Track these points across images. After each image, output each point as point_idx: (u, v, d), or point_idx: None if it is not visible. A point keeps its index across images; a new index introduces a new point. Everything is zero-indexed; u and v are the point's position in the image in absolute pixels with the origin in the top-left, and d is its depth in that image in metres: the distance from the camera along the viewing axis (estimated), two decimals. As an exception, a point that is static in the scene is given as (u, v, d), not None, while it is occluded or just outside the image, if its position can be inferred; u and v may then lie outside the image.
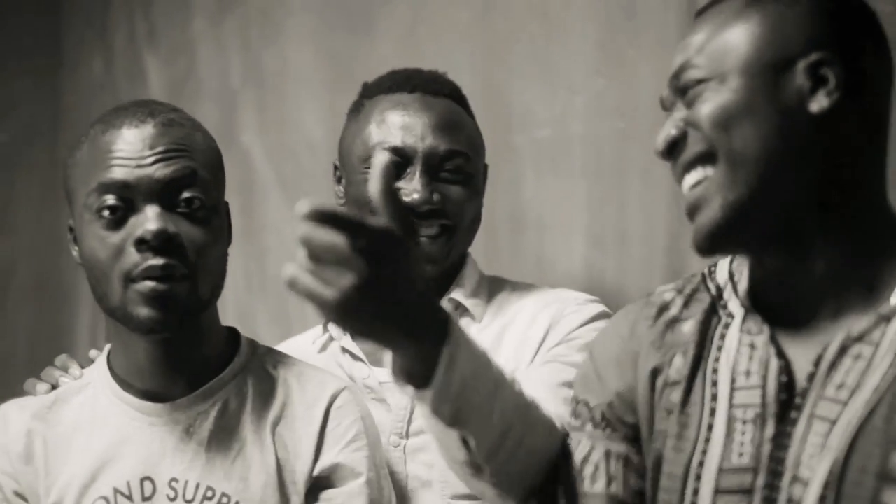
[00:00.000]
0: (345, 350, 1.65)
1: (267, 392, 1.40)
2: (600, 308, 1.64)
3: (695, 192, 1.12)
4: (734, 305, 1.18)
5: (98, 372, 1.43)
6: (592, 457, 1.22)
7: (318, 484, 1.37)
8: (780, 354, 1.11)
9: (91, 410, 1.39)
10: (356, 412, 1.41)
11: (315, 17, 2.33)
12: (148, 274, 1.28)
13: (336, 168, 1.71)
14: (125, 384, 1.39)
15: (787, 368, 1.10)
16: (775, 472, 1.08)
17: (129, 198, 1.29)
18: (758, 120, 1.08)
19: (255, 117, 2.45)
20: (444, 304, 1.61)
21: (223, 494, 1.33)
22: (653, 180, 1.92)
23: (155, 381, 1.37)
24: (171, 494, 1.34)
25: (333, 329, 1.67)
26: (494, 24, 2.09)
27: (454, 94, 1.67)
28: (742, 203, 1.08)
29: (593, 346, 1.31)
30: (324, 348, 1.68)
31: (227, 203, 1.42)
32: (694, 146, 1.12)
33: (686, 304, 1.23)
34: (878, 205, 1.13)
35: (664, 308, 1.24)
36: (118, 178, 1.29)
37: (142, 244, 1.28)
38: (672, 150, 1.14)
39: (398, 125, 1.59)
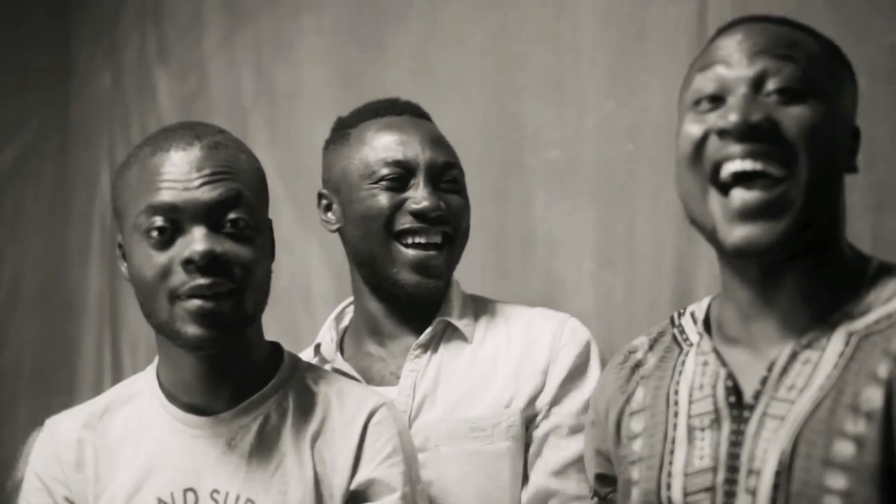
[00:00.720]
0: (337, 370, 1.68)
1: (307, 407, 1.43)
2: (580, 338, 1.67)
3: (764, 197, 1.14)
4: (693, 334, 1.29)
5: (146, 382, 1.46)
6: None
7: (355, 497, 1.40)
8: (724, 363, 1.22)
9: (138, 421, 1.43)
10: (393, 428, 1.44)
11: (327, 36, 2.36)
12: (195, 292, 1.31)
13: (322, 196, 1.73)
14: (171, 396, 1.42)
15: (731, 375, 1.20)
16: (732, 468, 1.17)
17: (176, 219, 1.32)
18: (835, 153, 1.19)
19: (266, 134, 2.47)
20: (434, 325, 1.66)
21: None
22: (661, 201, 1.95)
23: (199, 395, 1.41)
24: None
25: (326, 350, 1.71)
26: (506, 46, 2.12)
27: (430, 120, 1.74)
28: (806, 221, 1.15)
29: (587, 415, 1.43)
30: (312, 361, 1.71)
31: (270, 220, 1.45)
32: (779, 149, 1.14)
33: (651, 347, 1.34)
34: (842, 240, 1.24)
35: (631, 352, 1.35)
36: (166, 200, 1.32)
37: (189, 264, 1.31)
38: (750, 132, 1.15)
39: (396, 142, 1.64)
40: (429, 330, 1.66)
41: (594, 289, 2.01)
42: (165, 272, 1.32)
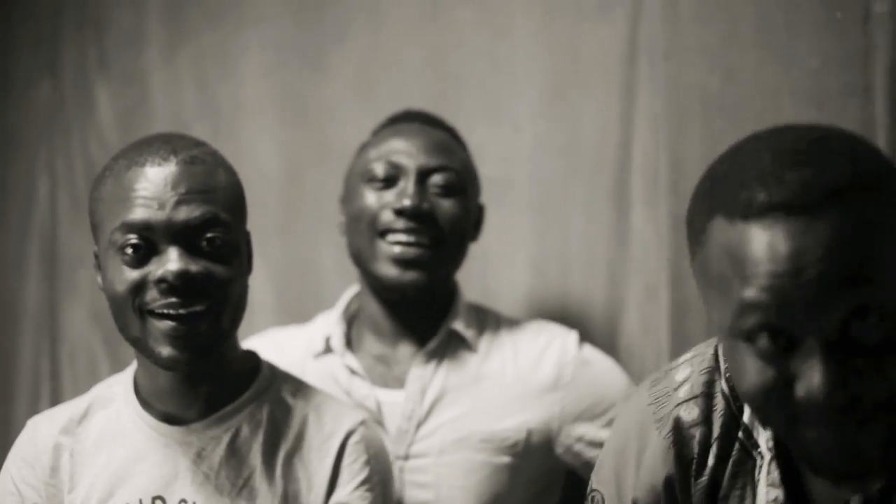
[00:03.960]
0: (347, 367, 1.72)
1: (282, 422, 1.42)
2: (584, 352, 1.76)
3: (865, 441, 0.96)
4: (763, 444, 1.11)
5: (123, 387, 1.47)
6: None
7: None
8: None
9: (114, 426, 1.44)
10: (371, 449, 1.44)
11: (269, 52, 2.37)
12: (167, 310, 1.31)
13: (341, 202, 1.81)
14: (146, 403, 1.43)
15: None
16: None
17: (150, 238, 1.32)
18: None
19: (207, 148, 2.47)
20: (442, 334, 1.71)
21: None
22: (593, 215, 2.03)
23: (173, 404, 1.41)
24: None
25: (336, 344, 1.74)
26: (445, 65, 2.17)
27: (450, 132, 1.78)
28: None
29: (608, 448, 1.26)
30: (320, 356, 1.76)
31: (248, 233, 1.45)
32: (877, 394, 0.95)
33: (706, 420, 1.14)
34: None
35: (688, 429, 1.15)
36: (141, 218, 1.31)
37: (162, 283, 1.30)
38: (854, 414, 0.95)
39: (395, 144, 1.70)
40: (437, 338, 1.71)
41: (528, 299, 2.08)
42: (138, 288, 1.32)
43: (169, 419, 1.42)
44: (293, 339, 1.82)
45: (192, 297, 1.31)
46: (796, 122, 1.79)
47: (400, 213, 1.66)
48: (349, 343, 1.77)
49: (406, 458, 1.67)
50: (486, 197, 1.88)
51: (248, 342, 1.87)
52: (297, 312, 2.25)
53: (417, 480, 1.66)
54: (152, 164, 1.34)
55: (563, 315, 2.02)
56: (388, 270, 1.66)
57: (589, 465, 1.69)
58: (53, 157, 2.77)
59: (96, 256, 1.40)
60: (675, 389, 1.17)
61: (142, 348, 1.35)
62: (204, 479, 1.38)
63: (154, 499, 1.39)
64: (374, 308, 1.74)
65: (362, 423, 1.45)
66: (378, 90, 2.23)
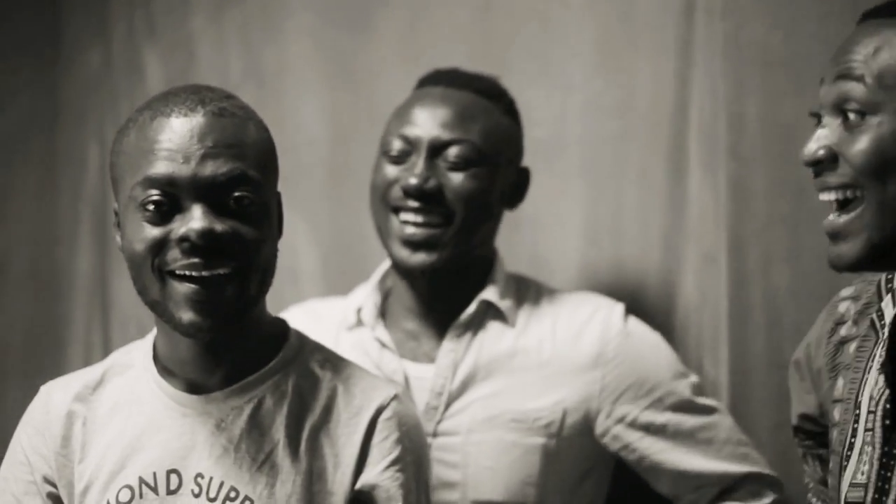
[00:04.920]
0: (377, 339, 1.67)
1: (308, 393, 1.34)
2: (629, 326, 1.68)
3: (839, 221, 1.16)
4: (888, 322, 1.22)
5: (142, 353, 1.39)
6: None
7: (360, 497, 1.31)
8: (892, 382, 1.18)
9: (130, 393, 1.36)
10: (403, 427, 1.34)
11: (314, 15, 2.34)
12: (189, 271, 1.23)
13: None
14: (165, 371, 1.35)
15: (893, 398, 1.17)
16: (882, 490, 1.16)
17: (174, 194, 1.23)
18: None
19: (253, 113, 2.46)
20: (475, 305, 1.63)
21: (246, 498, 1.29)
22: (648, 179, 1.96)
23: (193, 372, 1.33)
24: (196, 490, 1.30)
25: (367, 317, 1.69)
26: (493, 23, 2.11)
27: (483, 92, 1.68)
28: (885, 244, 1.14)
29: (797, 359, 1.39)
30: (353, 328, 1.70)
31: (279, 194, 1.36)
32: (843, 176, 1.15)
33: (856, 321, 1.29)
34: None
35: (839, 323, 1.31)
36: (164, 172, 1.23)
37: (185, 242, 1.22)
38: (817, 165, 1.17)
39: (411, 115, 1.64)
40: (470, 310, 1.64)
41: (580, 268, 2.01)
42: (158, 247, 1.24)
43: (189, 388, 1.34)
44: (331, 310, 1.77)
45: (217, 258, 1.23)
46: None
47: (405, 191, 1.60)
48: (384, 315, 1.71)
49: (434, 435, 1.61)
50: (537, 161, 1.82)
51: (290, 311, 1.83)
52: (344, 280, 2.22)
53: (445, 459, 1.60)
54: (178, 115, 1.25)
55: (617, 285, 1.95)
56: (399, 251, 1.62)
57: (630, 449, 1.62)
58: (103, 125, 2.77)
59: (116, 214, 1.32)
60: (839, 299, 1.34)
61: (161, 312, 1.27)
62: (222, 451, 1.30)
63: (169, 472, 1.31)
64: (400, 283, 1.69)
65: (395, 397, 1.35)
66: (425, 51, 2.18)
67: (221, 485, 1.29)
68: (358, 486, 1.31)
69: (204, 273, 1.23)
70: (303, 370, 1.35)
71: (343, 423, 1.32)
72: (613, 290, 1.89)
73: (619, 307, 1.69)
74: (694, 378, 1.69)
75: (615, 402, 1.61)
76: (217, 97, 1.30)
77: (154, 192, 1.23)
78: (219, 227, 1.23)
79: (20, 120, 2.85)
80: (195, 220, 1.22)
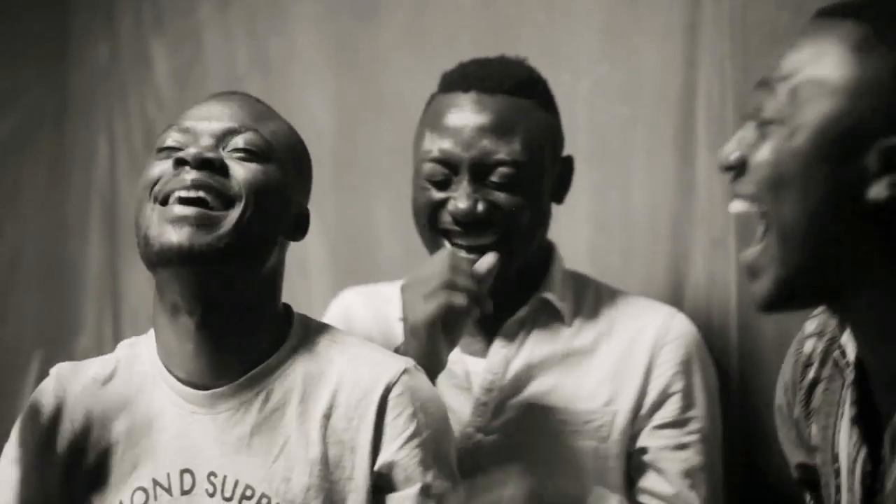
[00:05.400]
0: None
1: (317, 379, 1.30)
2: (685, 336, 1.63)
3: (748, 257, 1.06)
4: (850, 360, 1.14)
5: (147, 349, 1.36)
6: None
7: (379, 480, 1.28)
8: (867, 436, 1.08)
9: (138, 391, 1.33)
10: (417, 400, 1.30)
11: (321, 4, 2.34)
12: (178, 186, 1.25)
13: None
14: (170, 367, 1.32)
15: (870, 454, 1.07)
16: None
17: (188, 141, 1.30)
18: (810, 193, 1.00)
19: (261, 103, 2.46)
20: (531, 303, 1.60)
21: (263, 495, 1.26)
22: (657, 164, 1.94)
23: (198, 367, 1.30)
24: (210, 490, 1.27)
25: None
26: (500, 9, 2.11)
27: (519, 89, 1.60)
28: (793, 281, 1.03)
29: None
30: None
31: (308, 210, 1.40)
32: (748, 185, 1.06)
33: (823, 361, 1.19)
34: None
35: (807, 365, 1.21)
36: (185, 125, 1.31)
37: (181, 164, 1.25)
38: (730, 170, 1.09)
39: (447, 132, 1.55)
40: (525, 307, 1.60)
41: (589, 255, 2.00)
42: (159, 177, 1.27)
43: (196, 384, 1.30)
44: (388, 297, 1.73)
45: (212, 191, 1.26)
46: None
47: (455, 218, 1.53)
48: None
49: (485, 431, 1.58)
50: (543, 146, 1.82)
51: (350, 291, 1.82)
52: (351, 269, 2.23)
53: (493, 456, 1.56)
54: (216, 98, 1.36)
55: (625, 269, 1.94)
56: None
57: (640, 450, 1.60)
58: (112, 119, 2.79)
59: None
60: (805, 336, 1.24)
61: (154, 252, 1.25)
62: (234, 450, 1.27)
63: (182, 472, 1.28)
64: None
65: (405, 371, 1.31)
66: (431, 38, 2.18)
67: (236, 483, 1.27)
68: (376, 467, 1.28)
69: (192, 194, 1.27)
70: (309, 355, 1.33)
71: (354, 405, 1.29)
72: (622, 274, 1.89)
73: (680, 316, 1.65)
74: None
75: (653, 411, 1.58)
76: (239, 96, 1.39)
77: (173, 134, 1.31)
78: (214, 154, 1.28)
79: (29, 114, 2.86)
80: (192, 146, 1.29)
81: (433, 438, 1.30)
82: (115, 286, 2.79)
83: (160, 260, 1.23)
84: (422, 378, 1.34)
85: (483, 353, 1.61)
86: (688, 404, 1.59)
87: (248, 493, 1.26)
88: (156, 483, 1.28)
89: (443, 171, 1.54)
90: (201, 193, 1.25)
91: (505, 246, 1.53)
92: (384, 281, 1.95)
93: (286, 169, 1.33)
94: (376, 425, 1.28)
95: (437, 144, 1.55)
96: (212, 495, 1.27)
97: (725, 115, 1.84)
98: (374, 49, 2.26)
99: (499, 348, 1.60)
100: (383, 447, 1.28)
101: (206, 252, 1.23)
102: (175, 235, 1.23)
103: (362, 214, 2.25)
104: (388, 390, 1.29)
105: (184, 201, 1.25)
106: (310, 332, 1.36)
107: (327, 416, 1.29)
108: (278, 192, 1.31)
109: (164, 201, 1.26)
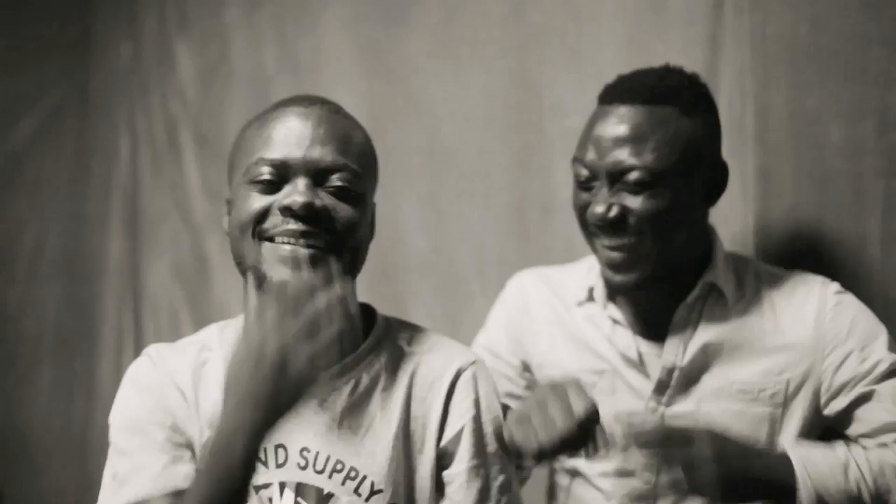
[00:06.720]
0: (608, 315, 1.77)
1: (399, 367, 1.44)
2: (846, 301, 1.70)
3: None
4: None
5: (238, 336, 1.44)
6: None
7: (442, 455, 1.42)
8: None
9: None
10: (481, 389, 1.45)
11: (350, 7, 2.38)
12: (287, 234, 1.33)
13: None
14: None
15: None
16: None
17: (283, 173, 1.36)
18: None
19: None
20: (699, 288, 1.71)
21: (352, 468, 1.38)
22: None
23: None
24: (302, 463, 1.38)
25: (598, 295, 1.78)
26: (527, 17, 2.16)
27: (656, 98, 1.66)
28: None
29: None
30: (583, 304, 1.80)
31: (374, 204, 1.46)
32: None
33: None
34: None
35: None
36: (277, 157, 1.36)
37: (287, 211, 1.33)
38: None
39: (591, 139, 1.67)
40: (695, 292, 1.71)
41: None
42: (262, 215, 1.35)
43: None
44: (561, 279, 1.87)
45: (316, 227, 1.34)
46: (886, 69, 1.79)
47: (591, 220, 1.66)
48: (612, 295, 1.79)
49: (668, 406, 1.71)
50: (570, 149, 1.87)
51: (525, 274, 1.90)
52: (380, 267, 2.26)
53: (680, 421, 1.66)
54: (296, 112, 1.39)
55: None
56: (605, 272, 1.70)
57: (844, 413, 1.67)
58: (134, 116, 2.82)
59: (228, 203, 1.43)
60: None
61: (255, 276, 1.36)
62: (326, 429, 1.39)
63: (277, 447, 1.38)
64: None
65: (474, 362, 1.46)
66: (459, 42, 2.23)
67: (328, 458, 1.38)
68: (441, 444, 1.42)
69: (301, 241, 1.33)
70: (392, 347, 1.46)
71: (428, 386, 1.43)
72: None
73: (833, 286, 1.72)
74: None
75: (834, 374, 1.66)
76: (331, 106, 1.43)
77: (266, 168, 1.36)
78: (319, 202, 1.34)
79: (52, 111, 2.89)
80: (299, 193, 1.34)
81: (488, 423, 1.44)
82: (135, 279, 2.85)
83: (279, 294, 1.28)
84: (487, 371, 1.48)
85: (657, 336, 1.74)
86: (865, 356, 1.66)
87: (339, 466, 1.38)
88: None
89: (585, 174, 1.67)
90: (312, 241, 1.34)
91: (641, 246, 1.65)
92: (413, 278, 2.02)
93: (371, 187, 1.44)
94: (445, 405, 1.42)
95: (583, 153, 1.68)
96: (303, 468, 1.38)
97: (745, 122, 1.92)
98: (404, 53, 2.31)
99: (675, 331, 1.72)
100: (447, 426, 1.42)
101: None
102: (288, 274, 1.33)
103: (391, 214, 2.31)
104: (457, 375, 1.44)
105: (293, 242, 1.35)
106: (392, 328, 1.49)
107: (406, 397, 1.42)
108: (367, 216, 1.42)
109: (271, 239, 1.36)
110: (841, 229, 1.84)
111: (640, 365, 1.73)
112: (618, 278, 1.67)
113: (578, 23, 2.11)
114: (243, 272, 1.39)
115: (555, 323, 1.82)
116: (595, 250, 1.70)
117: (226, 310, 2.50)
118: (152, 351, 1.46)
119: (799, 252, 1.88)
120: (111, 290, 2.88)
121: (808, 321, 1.68)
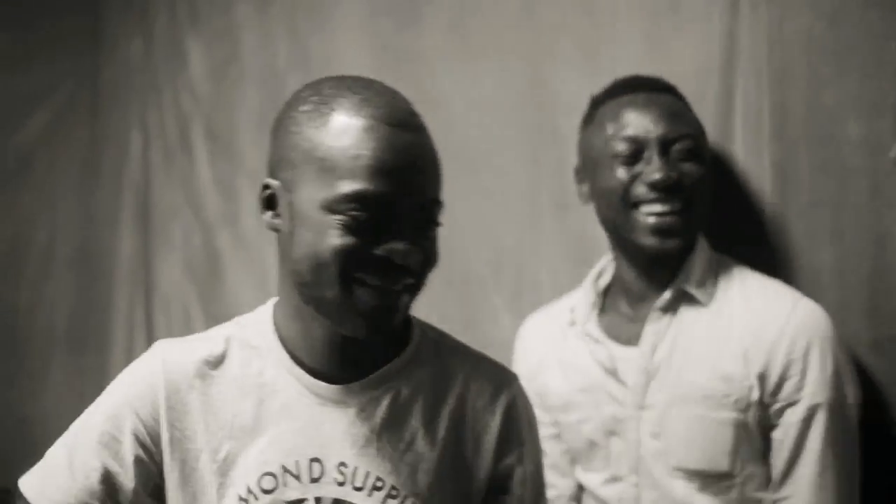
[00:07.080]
0: (586, 333, 1.84)
1: (442, 382, 1.35)
2: (810, 320, 1.73)
3: None
4: None
5: (263, 335, 1.35)
6: None
7: (495, 482, 1.35)
8: None
9: (258, 377, 1.33)
10: (530, 412, 1.40)
11: (362, 4, 2.38)
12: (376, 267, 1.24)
13: (577, 172, 1.90)
14: (296, 358, 1.32)
15: None
16: None
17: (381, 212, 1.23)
18: None
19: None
20: (671, 291, 1.77)
21: (393, 487, 1.30)
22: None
23: (326, 361, 1.31)
24: (340, 479, 1.30)
25: (578, 315, 1.87)
26: (542, 13, 2.16)
27: (671, 90, 1.84)
28: None
29: None
30: (571, 325, 1.89)
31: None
32: None
33: None
34: None
35: None
36: (377, 189, 1.22)
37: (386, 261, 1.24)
38: None
39: (631, 118, 1.78)
40: (666, 295, 1.78)
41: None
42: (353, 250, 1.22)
43: (324, 377, 1.32)
44: (560, 309, 1.95)
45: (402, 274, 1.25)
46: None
47: (653, 186, 1.73)
48: (604, 308, 1.88)
49: (642, 408, 1.76)
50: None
51: (523, 324, 2.01)
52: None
53: (651, 430, 1.75)
54: (388, 123, 1.30)
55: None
56: (648, 240, 1.75)
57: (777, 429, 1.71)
58: (145, 113, 2.82)
59: (267, 188, 1.31)
60: None
61: (333, 316, 1.27)
62: (365, 443, 1.30)
63: (311, 461, 1.30)
64: (628, 271, 1.83)
65: (517, 382, 1.40)
66: (473, 39, 2.23)
67: (367, 474, 1.30)
68: (497, 470, 1.34)
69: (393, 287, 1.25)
70: (433, 360, 1.37)
71: (480, 409, 1.35)
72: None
73: (805, 303, 1.74)
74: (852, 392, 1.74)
75: (778, 388, 1.69)
76: (408, 104, 1.35)
77: (358, 205, 1.21)
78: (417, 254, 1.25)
79: (62, 107, 2.90)
80: (404, 241, 1.23)
81: (537, 449, 1.40)
82: (146, 275, 2.84)
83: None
84: (525, 392, 1.41)
85: (635, 340, 1.80)
86: (802, 384, 1.70)
87: (379, 484, 1.30)
88: (285, 469, 1.30)
89: (633, 148, 1.76)
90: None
91: (688, 211, 1.75)
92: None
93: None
94: (500, 431, 1.35)
95: (625, 129, 1.78)
96: (341, 484, 1.30)
97: (762, 118, 1.91)
98: (416, 51, 2.30)
99: (648, 334, 1.78)
100: (504, 453, 1.35)
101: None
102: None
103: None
104: (511, 401, 1.36)
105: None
106: (427, 335, 1.40)
107: (454, 418, 1.34)
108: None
109: None
110: (859, 226, 1.83)
111: (615, 373, 1.78)
112: (667, 244, 1.74)
113: (593, 19, 2.10)
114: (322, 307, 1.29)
115: (550, 353, 1.89)
116: (633, 226, 1.76)
117: (237, 306, 2.49)
118: (160, 349, 1.36)
119: (816, 249, 1.87)
120: (122, 286, 2.88)
121: (771, 332, 1.70)
